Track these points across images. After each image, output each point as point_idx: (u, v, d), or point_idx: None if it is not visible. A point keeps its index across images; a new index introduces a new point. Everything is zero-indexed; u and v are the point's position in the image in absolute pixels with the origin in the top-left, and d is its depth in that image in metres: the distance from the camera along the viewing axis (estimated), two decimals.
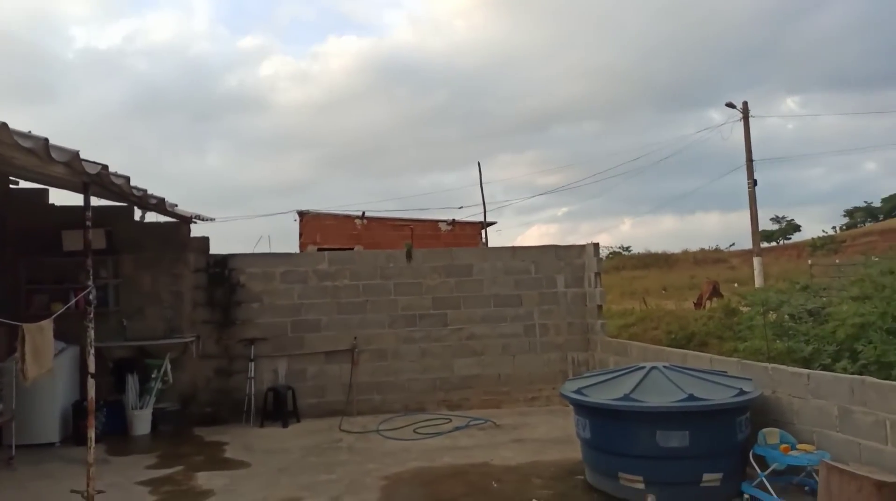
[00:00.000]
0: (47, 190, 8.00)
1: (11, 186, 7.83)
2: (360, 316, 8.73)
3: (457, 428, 7.66)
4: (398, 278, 8.88)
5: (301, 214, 15.58)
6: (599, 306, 9.07)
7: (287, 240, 16.18)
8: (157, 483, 5.72)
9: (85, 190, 5.18)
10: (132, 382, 7.59)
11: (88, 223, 5.15)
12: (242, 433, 7.64)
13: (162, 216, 8.26)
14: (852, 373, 4.98)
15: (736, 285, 23.54)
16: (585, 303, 9.29)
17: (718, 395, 4.94)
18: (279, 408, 8.04)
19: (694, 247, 46.16)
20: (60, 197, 7.94)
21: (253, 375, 8.22)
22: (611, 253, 51.69)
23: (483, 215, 16.41)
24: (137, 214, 8.34)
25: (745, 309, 8.21)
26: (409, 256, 8.94)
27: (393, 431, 7.59)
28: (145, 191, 6.36)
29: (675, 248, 45.30)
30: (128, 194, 6.09)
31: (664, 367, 5.43)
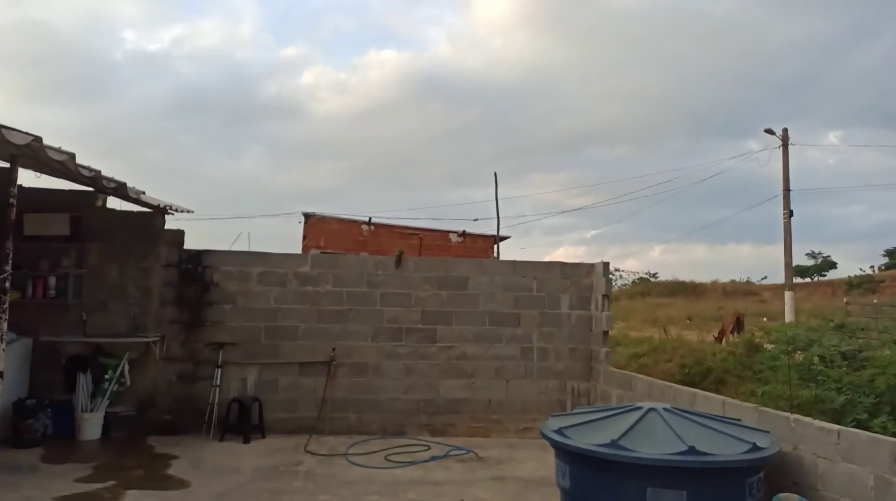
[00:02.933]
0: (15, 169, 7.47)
1: None
2: (342, 326, 8.01)
3: (433, 458, 6.86)
4: (385, 288, 8.15)
5: (307, 216, 15.00)
6: (605, 333, 8.20)
7: (293, 244, 15.60)
8: None
9: (11, 163, 4.59)
10: (84, 381, 6.98)
11: (12, 201, 4.57)
12: (198, 447, 6.95)
13: (137, 206, 7.69)
14: (894, 433, 4.07)
15: (765, 319, 22.29)
16: (591, 328, 8.43)
17: (726, 449, 4.08)
18: (243, 421, 7.34)
19: (724, 278, 44.40)
20: (32, 179, 7.44)
21: (218, 383, 7.54)
22: (637, 278, 50.29)
23: (496, 227, 15.64)
24: (115, 202, 7.79)
25: (769, 346, 7.28)
26: (398, 262, 8.21)
27: (362, 456, 6.82)
28: (98, 172, 5.77)
29: (704, 277, 43.63)
30: (74, 174, 5.51)
31: (665, 409, 4.58)
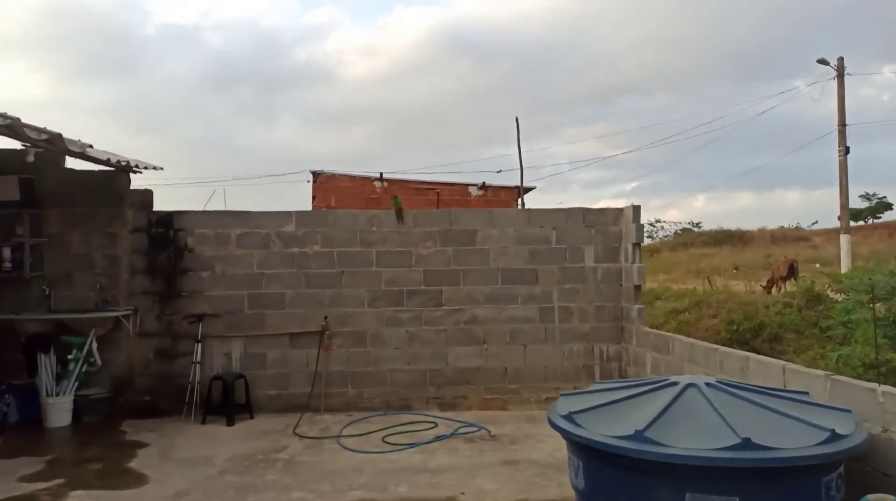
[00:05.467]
0: None
1: None
2: (334, 291, 7.10)
3: (438, 438, 5.96)
4: (382, 246, 7.17)
5: (315, 174, 14.07)
6: (638, 287, 7.08)
7: (305, 206, 14.68)
8: None
9: None
10: (46, 363, 6.27)
11: None
12: (174, 431, 6.20)
13: (98, 165, 6.81)
14: None
15: (818, 265, 20.69)
16: (621, 282, 7.32)
17: (795, 439, 3.01)
18: (227, 400, 6.55)
19: (773, 225, 41.99)
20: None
21: (199, 359, 6.75)
22: (680, 229, 48.26)
23: (520, 178, 14.44)
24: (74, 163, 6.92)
25: (836, 297, 6.08)
26: (399, 216, 7.20)
27: (357, 438, 5.97)
28: (17, 119, 4.86)
29: (751, 225, 41.29)
30: None
31: (708, 385, 3.50)
